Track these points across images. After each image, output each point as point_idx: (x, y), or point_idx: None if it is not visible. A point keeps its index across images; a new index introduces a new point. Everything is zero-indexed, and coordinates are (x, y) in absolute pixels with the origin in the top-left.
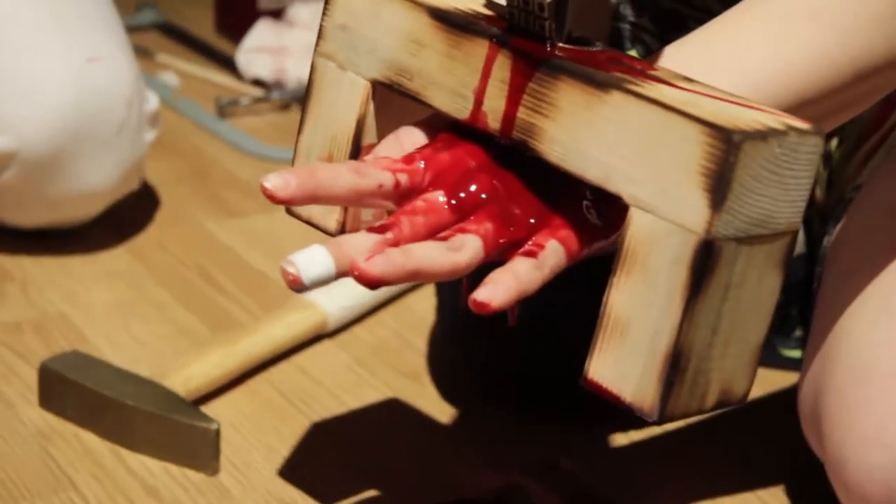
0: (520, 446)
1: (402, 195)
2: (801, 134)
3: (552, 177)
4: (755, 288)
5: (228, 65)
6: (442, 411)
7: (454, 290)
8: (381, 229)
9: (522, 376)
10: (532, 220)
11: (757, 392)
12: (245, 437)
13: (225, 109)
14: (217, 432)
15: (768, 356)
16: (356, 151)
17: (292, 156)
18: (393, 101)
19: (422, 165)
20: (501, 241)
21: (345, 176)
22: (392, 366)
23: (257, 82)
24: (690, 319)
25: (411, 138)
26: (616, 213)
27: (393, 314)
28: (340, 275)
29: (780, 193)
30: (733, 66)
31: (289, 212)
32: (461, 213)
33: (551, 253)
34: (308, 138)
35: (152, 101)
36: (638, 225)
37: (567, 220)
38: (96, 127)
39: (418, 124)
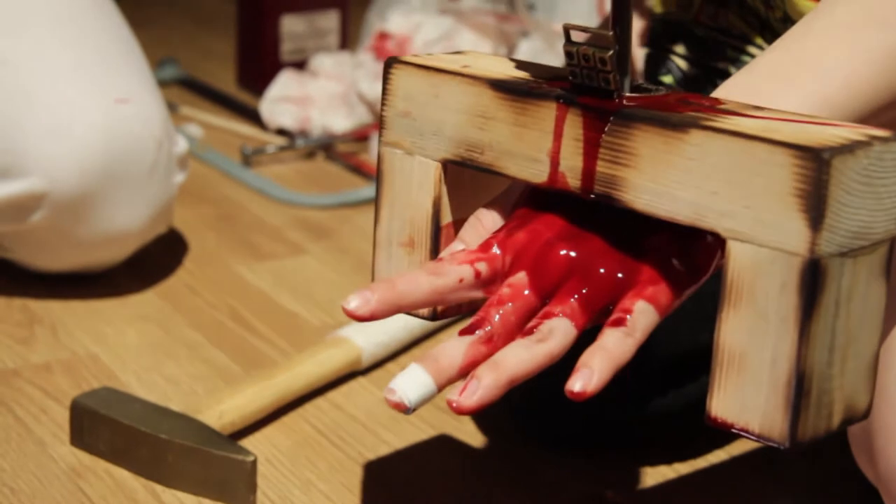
0: (562, 480)
1: (485, 283)
2: (885, 142)
3: (635, 231)
4: (863, 300)
5: (252, 116)
6: (481, 445)
7: None
8: (471, 329)
9: (561, 410)
10: (618, 280)
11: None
12: (281, 471)
13: (250, 158)
14: (254, 464)
15: None
16: (436, 231)
17: (372, 247)
18: (466, 176)
19: (498, 251)
20: (589, 313)
21: (423, 281)
22: None
23: (281, 132)
24: (807, 342)
25: (491, 219)
26: (702, 256)
27: (427, 351)
28: (441, 388)
29: (873, 203)
30: (804, 85)
31: None
32: (548, 291)
33: (640, 315)
34: (385, 227)
35: (181, 144)
36: (738, 257)
37: (653, 273)
38: (126, 168)
39: (495, 202)
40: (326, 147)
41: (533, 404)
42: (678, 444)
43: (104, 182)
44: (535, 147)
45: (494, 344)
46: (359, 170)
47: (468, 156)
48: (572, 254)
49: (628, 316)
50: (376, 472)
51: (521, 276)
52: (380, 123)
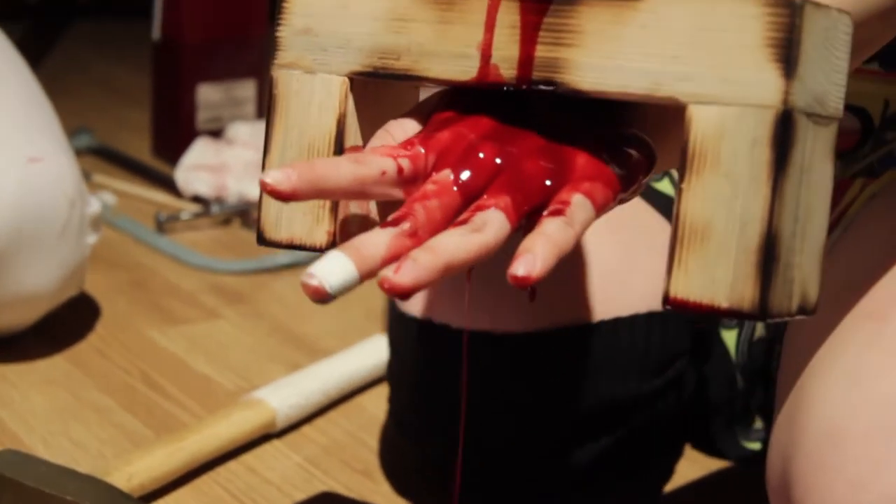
0: None
1: (407, 181)
2: (840, 13)
3: (563, 135)
4: (819, 175)
5: (166, 183)
6: None
7: (409, 384)
8: (395, 222)
9: (476, 471)
10: (550, 180)
11: (719, 480)
12: None
13: (164, 225)
14: None
15: (730, 447)
16: (340, 154)
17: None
18: (373, 93)
19: (422, 150)
20: (524, 207)
21: (345, 166)
22: (344, 462)
23: (197, 199)
24: (780, 199)
25: (402, 129)
26: (631, 166)
27: (344, 413)
28: (364, 277)
29: (829, 71)
30: None
31: (265, 241)
32: (474, 190)
33: (578, 207)
34: (277, 157)
35: (94, 204)
36: (701, 121)
37: (587, 171)
38: (38, 228)
39: (407, 115)
40: (242, 214)
41: (447, 463)
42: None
43: (14, 242)
44: (462, 42)
45: (419, 238)
46: None
47: (381, 64)
48: (500, 151)
49: (567, 207)
50: None
51: (446, 174)
52: (275, 46)
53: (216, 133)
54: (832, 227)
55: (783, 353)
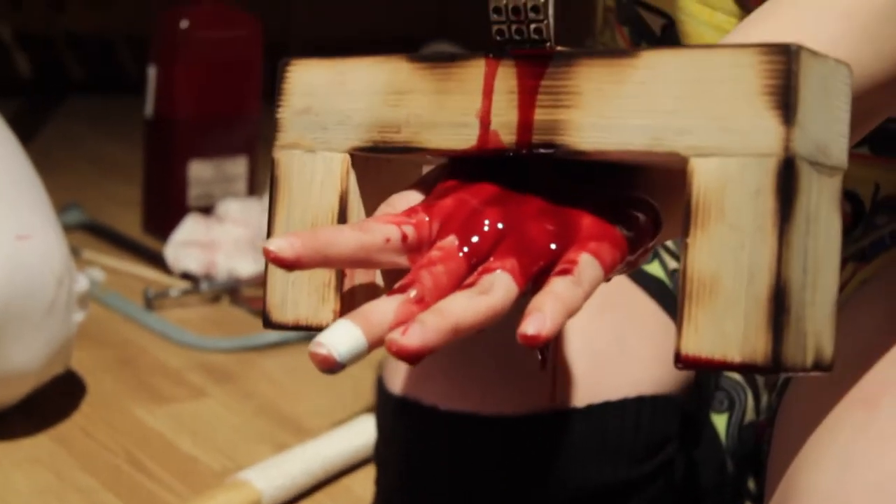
0: None
1: (412, 249)
2: (837, 63)
3: (567, 199)
4: (826, 226)
5: (156, 260)
6: None
7: (396, 470)
8: (401, 289)
9: None
10: (555, 242)
11: None
12: None
13: (153, 302)
14: None
15: None
16: None
17: (266, 265)
18: (374, 169)
19: (426, 218)
20: (530, 270)
21: (348, 233)
22: None
23: (186, 276)
24: (787, 248)
25: (405, 201)
26: (637, 229)
27: (330, 495)
28: (373, 345)
29: (830, 120)
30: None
31: (271, 323)
32: (479, 254)
33: (586, 266)
34: (280, 234)
35: (82, 282)
36: (704, 173)
37: (593, 232)
38: (26, 305)
39: (409, 188)
40: (232, 291)
41: None
42: None
43: (2, 319)
44: (461, 111)
45: (426, 304)
46: None
47: (381, 138)
48: (504, 215)
49: (574, 267)
50: None
51: (451, 240)
52: (275, 127)
53: (207, 210)
54: None
55: (774, 438)
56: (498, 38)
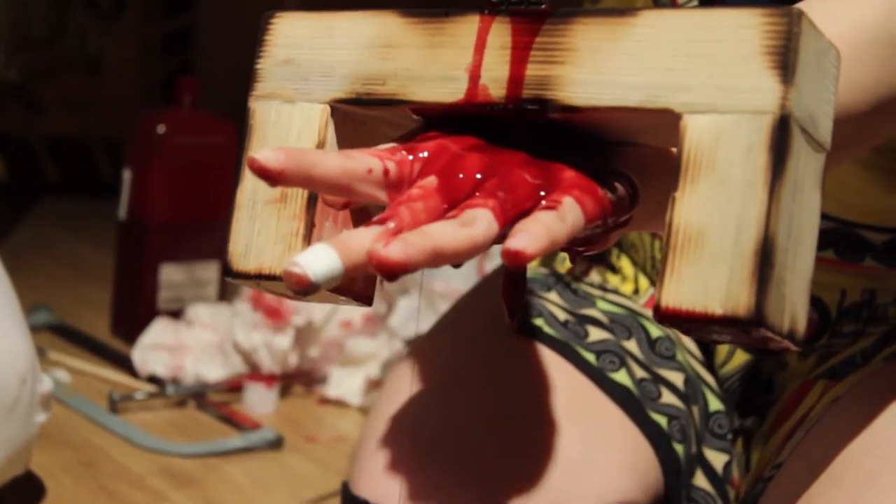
0: None
1: (392, 185)
2: (830, 43)
3: (550, 157)
4: (809, 200)
5: (123, 363)
6: None
7: None
8: (380, 221)
9: None
10: (537, 184)
11: None
12: None
13: (117, 404)
14: None
15: None
16: None
17: (231, 213)
18: (350, 129)
19: (409, 157)
20: (512, 211)
21: (333, 157)
22: None
23: (153, 379)
24: (776, 205)
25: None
26: (620, 193)
27: None
28: (350, 270)
29: (820, 95)
30: None
31: (233, 273)
32: (460, 196)
33: (569, 208)
34: (250, 186)
35: (46, 383)
36: (697, 129)
37: (575, 181)
38: None
39: (388, 143)
40: (198, 396)
41: None
42: None
43: None
44: (450, 65)
45: None
46: (230, 419)
47: (365, 90)
48: (486, 161)
49: (559, 205)
50: None
51: (431, 180)
52: (252, 78)
53: (176, 313)
54: (795, 429)
55: None
56: None
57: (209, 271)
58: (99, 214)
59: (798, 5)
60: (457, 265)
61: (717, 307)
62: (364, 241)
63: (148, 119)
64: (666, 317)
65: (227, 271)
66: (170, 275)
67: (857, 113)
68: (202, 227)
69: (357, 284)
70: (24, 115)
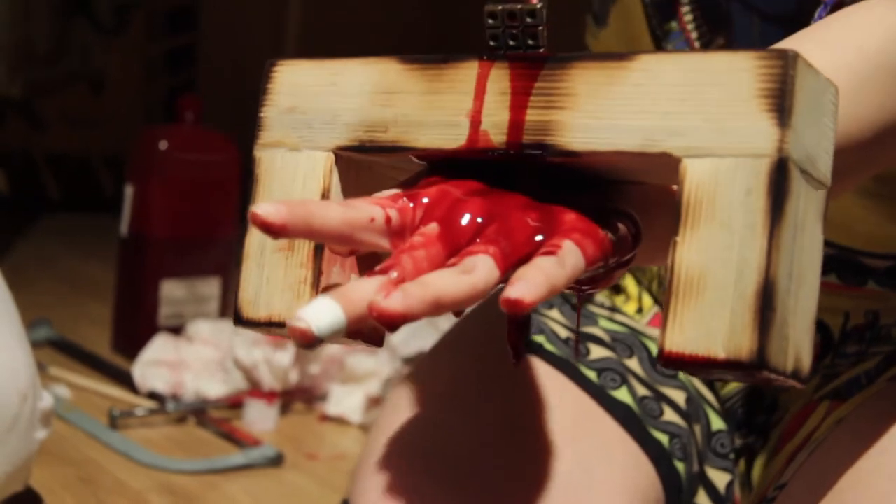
0: None
1: (394, 232)
2: (828, 80)
3: (553, 202)
4: (810, 239)
5: (124, 379)
6: None
7: None
8: (382, 271)
9: None
10: (537, 229)
11: None
12: None
13: (117, 421)
14: None
15: None
16: None
17: (240, 262)
18: (354, 174)
19: (410, 204)
20: (512, 257)
21: (335, 208)
22: None
23: (153, 395)
24: (776, 248)
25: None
26: (622, 233)
27: None
28: (353, 323)
29: (818, 133)
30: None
31: (242, 321)
32: (461, 242)
33: (569, 252)
34: (259, 234)
35: (46, 399)
36: (695, 173)
37: (576, 224)
38: None
39: (391, 189)
40: (198, 412)
41: None
42: None
43: None
44: (451, 111)
45: None
46: (230, 436)
47: (368, 137)
48: (487, 206)
49: (558, 250)
50: None
51: (433, 227)
52: (257, 126)
53: (177, 329)
54: (798, 449)
55: None
56: (492, 42)
57: (210, 287)
58: (100, 230)
59: (801, 32)
60: (457, 314)
61: (719, 351)
62: (366, 292)
63: (150, 135)
64: (670, 361)
65: (238, 319)
66: (171, 291)
67: (860, 141)
68: (203, 243)
69: (365, 328)
70: (27, 132)
